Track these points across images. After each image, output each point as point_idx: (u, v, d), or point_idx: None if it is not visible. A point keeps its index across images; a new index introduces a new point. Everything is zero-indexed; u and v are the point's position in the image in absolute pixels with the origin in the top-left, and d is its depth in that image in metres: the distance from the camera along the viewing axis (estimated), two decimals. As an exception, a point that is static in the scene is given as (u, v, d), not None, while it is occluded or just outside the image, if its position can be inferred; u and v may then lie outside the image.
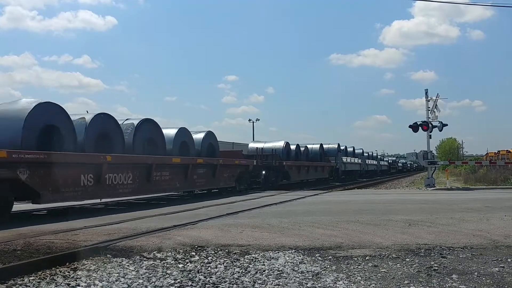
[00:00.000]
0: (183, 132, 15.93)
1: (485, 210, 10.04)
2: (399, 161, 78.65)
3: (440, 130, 21.66)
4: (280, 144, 25.32)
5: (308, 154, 29.07)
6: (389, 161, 68.40)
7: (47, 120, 10.39)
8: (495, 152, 53.00)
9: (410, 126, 21.53)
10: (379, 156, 60.95)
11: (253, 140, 32.60)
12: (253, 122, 56.97)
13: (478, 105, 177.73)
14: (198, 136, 17.17)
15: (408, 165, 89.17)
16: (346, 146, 39.31)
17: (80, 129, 11.36)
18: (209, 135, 17.88)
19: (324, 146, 32.72)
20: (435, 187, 21.02)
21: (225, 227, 7.54)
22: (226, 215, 9.51)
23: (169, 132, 15.24)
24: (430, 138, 21.52)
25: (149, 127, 14.12)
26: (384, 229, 7.27)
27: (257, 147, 23.91)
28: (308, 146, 30.07)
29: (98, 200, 12.21)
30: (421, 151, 22.97)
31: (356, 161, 39.85)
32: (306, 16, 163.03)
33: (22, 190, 9.41)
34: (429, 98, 21.47)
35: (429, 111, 21.34)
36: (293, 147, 26.60)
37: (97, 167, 11.04)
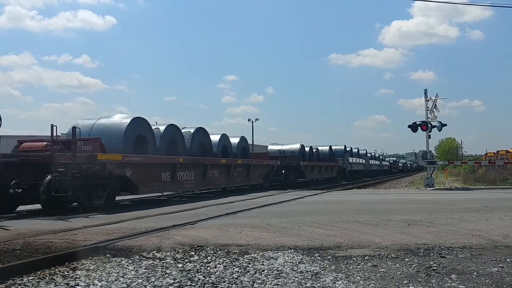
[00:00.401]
0: (224, 138, 19.49)
1: (484, 210, 10.05)
2: (400, 161, 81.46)
3: (439, 130, 21.68)
4: (297, 146, 28.49)
5: (319, 155, 32.31)
6: (390, 161, 71.60)
7: (138, 131, 13.67)
8: (494, 152, 52.99)
9: (409, 126, 21.54)
10: (380, 157, 63.62)
11: (252, 140, 34.04)
12: (252, 122, 57.02)
13: (477, 105, 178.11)
14: (234, 141, 20.49)
15: (408, 165, 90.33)
16: (351, 148, 41.98)
17: (157, 137, 14.61)
18: (243, 139, 21.52)
19: (332, 147, 35.96)
20: (434, 187, 21.03)
21: (224, 227, 7.54)
22: (225, 215, 9.51)
23: (214, 137, 18.71)
24: (429, 138, 21.54)
25: (201, 133, 17.55)
26: (383, 229, 7.28)
27: (279, 149, 27.50)
28: (319, 147, 33.29)
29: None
30: (420, 151, 22.98)
31: (360, 161, 42.78)
32: (306, 16, 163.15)
33: (126, 184, 12.23)
34: (428, 98, 21.49)
35: (429, 111, 21.35)
36: (307, 149, 29.64)
37: (173, 166, 14.14)
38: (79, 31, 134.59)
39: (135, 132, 13.50)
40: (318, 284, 4.32)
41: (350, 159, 38.71)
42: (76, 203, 10.86)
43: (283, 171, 24.11)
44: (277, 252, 5.69)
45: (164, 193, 15.20)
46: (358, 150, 45.45)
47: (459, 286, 4.24)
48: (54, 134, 10.77)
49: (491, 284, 4.30)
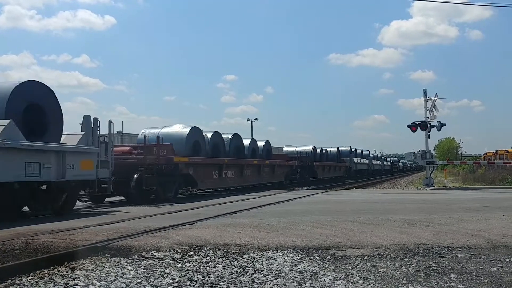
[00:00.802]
0: (253, 141, 22.89)
1: (484, 210, 10.05)
2: (400, 161, 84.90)
3: (439, 130, 21.67)
4: (310, 148, 31.94)
5: (327, 155, 35.26)
6: (391, 161, 75.67)
7: (195, 137, 16.89)
8: (493, 152, 53.01)
9: (408, 126, 21.53)
10: (382, 157, 67.42)
11: (251, 136, 35.28)
12: (251, 121, 56.95)
13: (477, 105, 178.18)
14: (260, 144, 23.67)
15: (408, 165, 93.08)
16: (356, 149, 45.26)
17: (206, 142, 17.89)
18: (267, 143, 24.65)
19: (340, 148, 39.41)
20: (433, 186, 21.04)
21: (224, 227, 7.53)
22: (224, 215, 9.51)
23: (245, 141, 21.81)
24: (429, 137, 21.53)
25: (236, 138, 20.69)
26: (383, 229, 7.27)
27: (295, 150, 30.89)
28: (328, 149, 36.47)
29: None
30: (419, 151, 22.97)
31: (364, 161, 46.12)
32: (305, 16, 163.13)
33: (189, 181, 15.53)
34: (427, 98, 21.48)
35: (428, 111, 21.35)
36: (318, 150, 32.71)
37: (220, 166, 17.60)
38: (78, 30, 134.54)
39: (193, 139, 16.73)
40: (317, 284, 4.31)
41: (355, 160, 41.84)
42: (153, 195, 13.84)
43: (299, 170, 27.32)
44: (276, 252, 5.68)
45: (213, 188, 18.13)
46: (362, 151, 48.21)
47: (458, 286, 4.24)
48: (143, 143, 14.52)
49: (490, 284, 4.30)
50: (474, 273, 4.66)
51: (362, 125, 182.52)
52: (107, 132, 11.83)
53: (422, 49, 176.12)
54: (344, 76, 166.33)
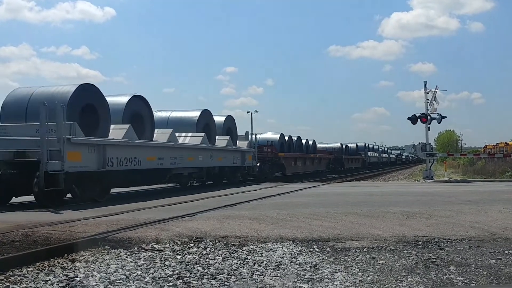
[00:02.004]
0: (307, 140, 32.82)
1: (483, 202, 10.06)
2: (403, 154, 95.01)
3: (439, 122, 21.64)
4: (338, 144, 41.36)
5: (349, 150, 44.09)
6: (396, 154, 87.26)
7: (282, 140, 27.69)
8: (493, 145, 53.03)
9: (408, 118, 21.49)
10: (388, 151, 79.36)
11: (251, 131, 38.49)
12: (251, 114, 56.95)
13: (477, 98, 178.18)
14: (311, 141, 33.71)
15: (410, 157, 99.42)
16: (369, 144, 55.27)
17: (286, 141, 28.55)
18: (314, 142, 34.49)
19: (356, 144, 49.11)
20: (433, 179, 21.05)
21: (224, 219, 7.54)
22: (224, 207, 9.52)
23: (304, 141, 31.73)
24: (429, 130, 21.51)
25: (299, 138, 31.06)
26: (382, 221, 7.28)
27: (329, 147, 40.14)
28: (349, 145, 45.19)
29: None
30: (419, 143, 23.02)
31: (375, 155, 56.19)
32: (306, 8, 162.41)
33: (281, 167, 25.78)
34: (428, 90, 21.41)
35: (428, 103, 21.29)
36: (343, 146, 42.01)
37: (295, 158, 28.46)
38: (78, 22, 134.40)
39: (282, 140, 27.56)
40: (317, 276, 4.32)
41: (369, 153, 51.35)
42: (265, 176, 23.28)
43: (333, 162, 37.65)
44: (276, 244, 5.69)
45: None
46: (373, 145, 58.44)
47: (457, 278, 4.25)
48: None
49: (490, 276, 4.31)
50: (473, 265, 4.67)
51: (362, 118, 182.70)
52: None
53: (422, 41, 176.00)
54: (344, 68, 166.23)
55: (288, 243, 5.70)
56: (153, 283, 4.16)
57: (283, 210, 8.71)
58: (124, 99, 13.25)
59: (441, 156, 29.86)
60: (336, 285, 4.06)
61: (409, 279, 4.22)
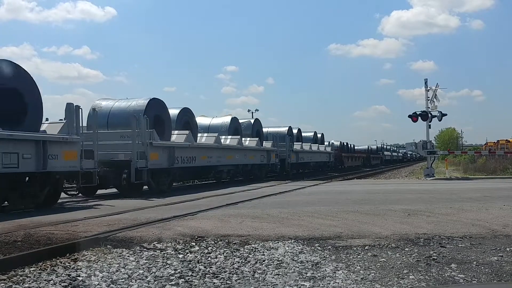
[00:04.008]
0: (342, 143, 43.63)
1: (484, 200, 10.06)
2: (408, 153, 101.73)
3: (440, 120, 21.61)
4: (365, 147, 57.52)
5: (371, 150, 58.31)
6: (402, 153, 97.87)
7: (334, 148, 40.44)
8: (494, 142, 52.91)
9: (409, 116, 21.46)
10: (397, 149, 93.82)
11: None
12: (252, 112, 56.89)
13: (478, 95, 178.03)
14: (351, 143, 48.63)
15: (414, 155, 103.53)
16: (385, 145, 77.79)
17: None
18: (352, 144, 48.08)
19: (376, 146, 66.61)
20: (434, 177, 21.03)
21: (225, 218, 7.55)
22: (226, 206, 9.53)
23: (336, 143, 40.99)
24: (430, 128, 21.48)
25: (336, 141, 42.53)
26: (383, 219, 7.28)
27: (361, 148, 53.44)
28: (371, 146, 61.03)
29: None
30: (420, 141, 22.94)
31: (389, 154, 73.74)
32: (306, 7, 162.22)
33: (341, 161, 41.28)
34: (428, 88, 21.37)
35: (429, 101, 21.25)
36: (370, 147, 59.13)
37: (350, 156, 46.12)
38: (78, 22, 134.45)
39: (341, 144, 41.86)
40: (319, 274, 4.33)
41: (385, 153, 68.41)
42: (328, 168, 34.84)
43: (365, 159, 52.09)
44: (278, 242, 5.70)
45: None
46: (386, 146, 78.83)
47: (459, 275, 4.25)
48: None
49: (491, 273, 4.31)
50: (475, 262, 4.68)
51: (363, 116, 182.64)
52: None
53: (423, 39, 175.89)
54: (344, 67, 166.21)
55: (289, 242, 5.70)
56: (155, 282, 4.18)
57: (284, 209, 8.72)
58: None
59: (442, 153, 29.79)
60: (338, 283, 4.07)
61: (410, 276, 4.23)
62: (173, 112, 16.17)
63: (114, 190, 13.89)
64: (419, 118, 21.15)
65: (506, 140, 47.51)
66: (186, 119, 16.91)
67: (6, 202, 9.53)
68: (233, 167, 19.48)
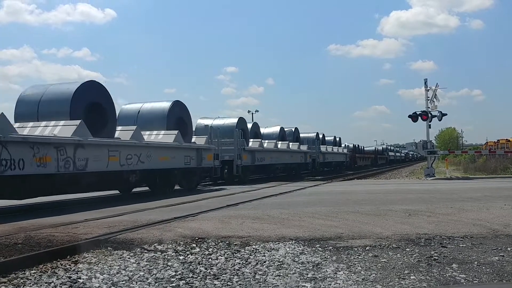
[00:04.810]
0: (354, 145, 46.96)
1: (485, 199, 10.05)
2: (410, 153, 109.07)
3: (440, 120, 21.63)
4: (373, 148, 62.19)
5: (377, 151, 63.35)
6: (404, 153, 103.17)
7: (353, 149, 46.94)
8: (494, 141, 52.88)
9: (409, 116, 21.48)
10: (400, 150, 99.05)
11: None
12: (252, 113, 56.95)
13: (477, 95, 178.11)
14: (361, 144, 54.88)
15: (415, 155, 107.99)
16: (390, 146, 79.25)
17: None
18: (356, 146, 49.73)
19: (382, 147, 71.20)
20: (434, 176, 21.02)
21: (226, 219, 7.54)
22: (226, 207, 9.52)
23: (348, 145, 46.24)
24: (430, 127, 21.50)
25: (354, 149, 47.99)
26: (384, 219, 7.28)
27: (372, 150, 59.74)
28: (377, 147, 66.50)
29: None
30: (420, 141, 22.96)
31: (393, 154, 78.24)
32: (305, 7, 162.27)
33: (354, 161, 46.11)
34: (428, 88, 21.39)
35: (429, 101, 21.27)
36: (373, 148, 63.36)
37: (355, 157, 46.98)
38: (78, 24, 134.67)
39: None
40: (320, 275, 4.32)
41: (389, 153, 72.70)
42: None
43: (373, 159, 56.99)
44: (278, 243, 5.69)
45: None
46: (390, 146, 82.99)
47: (460, 275, 4.25)
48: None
49: (492, 273, 4.31)
50: (476, 262, 4.67)
51: (363, 116, 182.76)
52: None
53: (422, 39, 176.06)
54: (344, 67, 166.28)
55: (290, 243, 5.70)
56: (156, 284, 4.17)
57: (285, 210, 8.71)
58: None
59: (442, 153, 29.79)
60: (339, 284, 4.06)
61: (411, 277, 4.22)
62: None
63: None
64: (419, 118, 21.16)
65: (506, 139, 47.46)
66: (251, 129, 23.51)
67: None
68: (283, 165, 25.69)
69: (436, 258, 4.85)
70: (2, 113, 8.84)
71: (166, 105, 15.46)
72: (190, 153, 15.29)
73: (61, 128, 10.50)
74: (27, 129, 10.59)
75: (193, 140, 16.35)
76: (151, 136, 14.26)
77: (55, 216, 8.56)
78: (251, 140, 22.12)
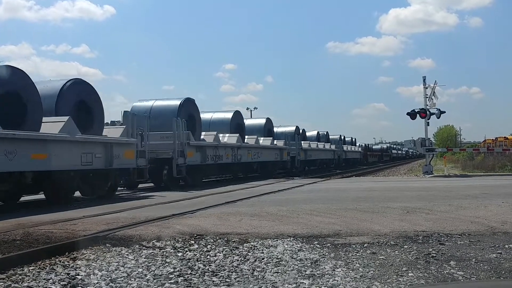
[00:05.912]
0: (363, 145, 52.54)
1: (483, 197, 10.06)
2: (410, 150, 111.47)
3: (438, 117, 21.59)
4: (379, 146, 70.69)
5: (382, 149, 69.89)
6: (405, 151, 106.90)
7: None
8: (492, 139, 52.89)
9: (408, 114, 21.45)
10: (401, 148, 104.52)
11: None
12: (251, 110, 56.83)
13: (476, 92, 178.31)
14: (369, 143, 61.74)
15: (415, 153, 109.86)
16: (392, 145, 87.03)
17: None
18: (365, 146, 53.82)
19: (386, 145, 79.28)
20: (433, 174, 21.04)
21: (224, 216, 7.55)
22: (225, 204, 9.53)
23: (358, 142, 51.46)
24: (428, 125, 21.47)
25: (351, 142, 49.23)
26: (382, 217, 7.29)
27: (376, 148, 66.83)
28: (382, 146, 74.30)
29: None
30: (419, 139, 22.99)
31: (394, 151, 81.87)
32: (304, 5, 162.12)
33: (365, 158, 51.81)
34: (427, 86, 21.36)
35: (427, 98, 21.24)
36: (379, 146, 71.20)
37: (368, 154, 54.38)
38: (77, 21, 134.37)
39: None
40: (318, 272, 4.33)
41: (393, 151, 78.67)
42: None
43: (380, 156, 62.81)
44: (277, 240, 5.70)
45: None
46: (394, 145, 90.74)
47: (458, 273, 4.26)
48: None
49: (490, 270, 4.32)
50: (474, 259, 4.69)
51: (361, 113, 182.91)
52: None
53: (421, 37, 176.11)
54: (343, 65, 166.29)
55: (288, 240, 5.71)
56: (154, 281, 4.18)
57: (283, 207, 8.72)
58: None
59: (440, 151, 29.85)
60: (337, 280, 4.07)
61: (409, 274, 4.24)
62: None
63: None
64: (418, 115, 21.14)
65: (505, 137, 47.57)
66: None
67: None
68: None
69: (434, 255, 4.87)
70: None
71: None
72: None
73: None
74: None
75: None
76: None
77: (54, 212, 8.56)
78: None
